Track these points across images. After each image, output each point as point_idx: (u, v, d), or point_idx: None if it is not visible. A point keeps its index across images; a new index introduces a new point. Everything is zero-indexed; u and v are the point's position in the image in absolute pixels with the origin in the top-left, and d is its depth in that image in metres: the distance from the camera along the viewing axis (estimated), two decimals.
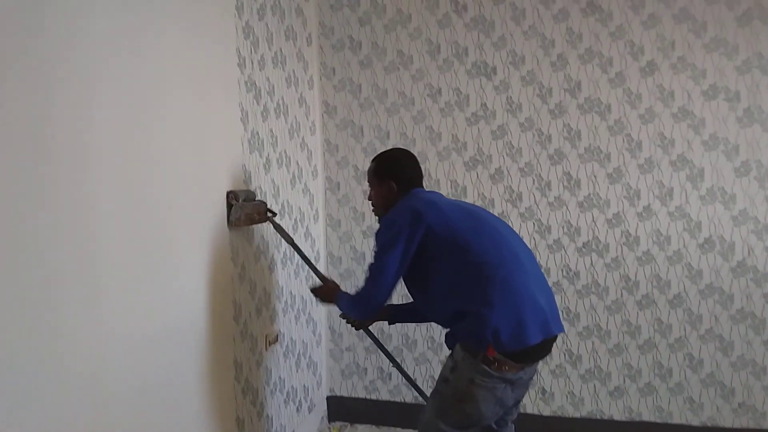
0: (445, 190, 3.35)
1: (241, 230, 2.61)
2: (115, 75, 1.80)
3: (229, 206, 2.46)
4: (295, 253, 2.76)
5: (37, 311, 1.52)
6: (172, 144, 2.08)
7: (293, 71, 3.16)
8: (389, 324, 2.68)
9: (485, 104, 3.27)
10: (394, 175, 2.37)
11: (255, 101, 2.75)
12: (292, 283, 3.12)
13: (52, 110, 1.57)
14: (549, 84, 3.19)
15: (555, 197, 3.23)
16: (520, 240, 2.27)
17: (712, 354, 3.11)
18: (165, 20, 2.06)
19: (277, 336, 2.93)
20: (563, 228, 3.24)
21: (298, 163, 3.22)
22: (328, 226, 3.53)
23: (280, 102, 3.01)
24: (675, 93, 3.05)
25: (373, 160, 2.46)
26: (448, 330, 2.23)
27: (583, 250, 3.22)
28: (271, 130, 2.90)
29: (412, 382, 2.78)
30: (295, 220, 3.17)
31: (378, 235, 2.22)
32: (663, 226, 3.12)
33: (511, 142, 3.26)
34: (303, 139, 3.29)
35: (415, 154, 3.33)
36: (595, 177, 3.18)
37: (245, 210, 2.49)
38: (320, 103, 3.49)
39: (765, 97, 2.97)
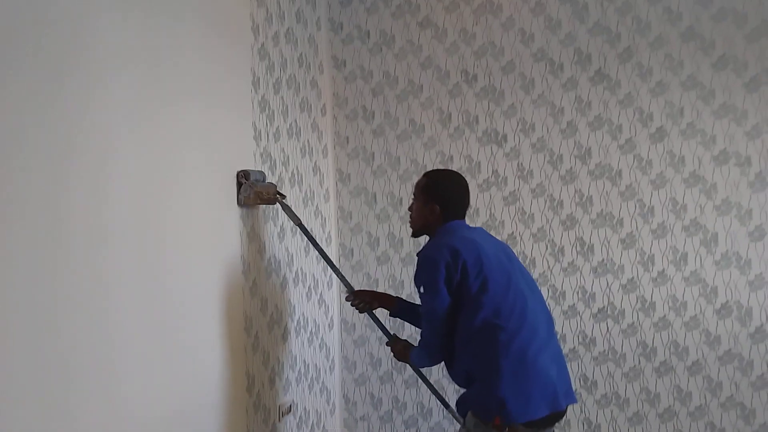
0: None
1: (256, 299, 2.62)
2: (131, 147, 1.86)
3: (239, 185, 2.48)
4: (313, 254, 2.76)
5: (53, 395, 1.53)
6: (186, 216, 2.13)
7: (308, 141, 3.24)
8: (391, 315, 2.65)
9: (496, 171, 3.31)
10: (441, 199, 2.31)
11: (270, 172, 2.80)
12: (306, 351, 3.12)
13: (68, 192, 1.62)
14: (559, 151, 3.22)
15: (569, 263, 3.23)
16: (544, 306, 2.28)
17: (733, 422, 3.03)
18: (183, 95, 2.13)
19: (291, 407, 2.91)
20: (578, 294, 3.22)
21: (312, 231, 3.25)
22: (342, 292, 3.54)
23: (295, 171, 3.07)
24: (685, 158, 3.07)
25: (425, 175, 2.41)
26: (458, 398, 2.22)
27: (599, 316, 3.19)
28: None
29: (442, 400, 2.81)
30: (309, 287, 3.18)
31: (417, 275, 2.21)
32: (678, 291, 3.09)
33: (523, 208, 3.28)
34: (317, 206, 3.34)
35: None
36: (608, 242, 3.18)
37: (255, 188, 2.50)
38: (334, 171, 3.55)
39: None
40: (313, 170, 3.30)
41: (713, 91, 3.03)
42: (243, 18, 2.60)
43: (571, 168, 3.22)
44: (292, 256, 2.98)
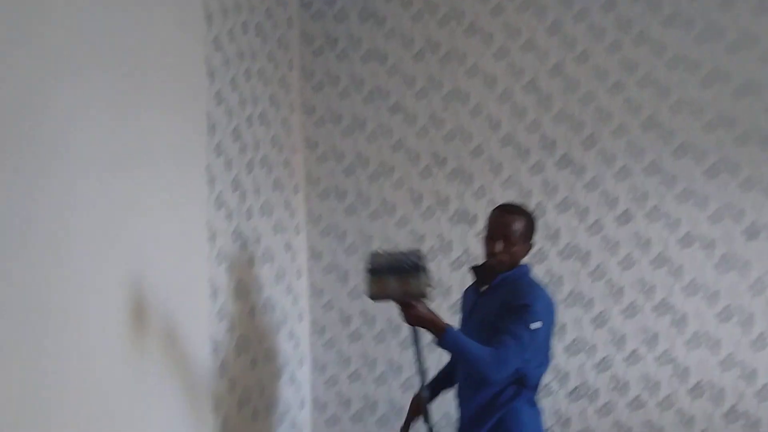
0: None
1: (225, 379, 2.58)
2: None
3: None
4: None
5: None
6: None
7: (280, 219, 3.27)
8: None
9: (468, 250, 3.34)
10: (533, 237, 2.42)
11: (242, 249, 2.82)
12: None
13: None
14: None
15: None
16: None
17: None
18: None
19: None
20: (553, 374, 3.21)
21: (283, 308, 3.24)
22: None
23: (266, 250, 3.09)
24: (652, 240, 3.13)
25: (520, 214, 2.36)
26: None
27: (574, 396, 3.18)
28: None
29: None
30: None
31: (536, 311, 2.23)
32: (651, 371, 3.10)
33: None
34: (289, 283, 3.35)
35: None
36: (580, 323, 3.20)
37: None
38: (306, 248, 3.57)
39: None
40: (285, 248, 3.32)
41: (675, 177, 3.12)
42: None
43: (541, 248, 3.25)
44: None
